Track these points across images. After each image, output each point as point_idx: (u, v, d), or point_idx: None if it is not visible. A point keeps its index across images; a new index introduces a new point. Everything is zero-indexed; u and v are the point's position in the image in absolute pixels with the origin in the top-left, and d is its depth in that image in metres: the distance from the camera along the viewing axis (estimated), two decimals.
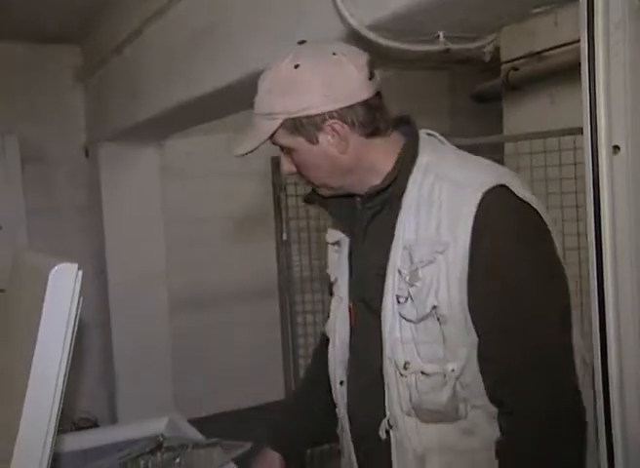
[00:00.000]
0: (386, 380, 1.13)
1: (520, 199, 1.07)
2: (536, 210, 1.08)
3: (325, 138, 1.11)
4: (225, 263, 3.81)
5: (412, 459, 1.11)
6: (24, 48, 3.30)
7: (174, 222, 3.62)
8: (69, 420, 3.16)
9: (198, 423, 1.86)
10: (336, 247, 1.30)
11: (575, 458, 1.05)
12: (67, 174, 3.46)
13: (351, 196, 1.21)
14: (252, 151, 1.14)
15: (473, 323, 1.07)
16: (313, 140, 1.11)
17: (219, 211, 3.80)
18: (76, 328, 1.10)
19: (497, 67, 4.11)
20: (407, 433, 1.11)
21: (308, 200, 1.25)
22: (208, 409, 3.42)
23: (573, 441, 1.05)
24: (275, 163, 2.84)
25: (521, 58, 3.74)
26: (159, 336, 3.44)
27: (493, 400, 1.09)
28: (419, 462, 1.11)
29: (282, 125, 1.10)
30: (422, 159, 1.14)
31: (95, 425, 3.21)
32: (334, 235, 1.29)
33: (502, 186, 1.06)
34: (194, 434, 1.77)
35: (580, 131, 0.99)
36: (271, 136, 1.12)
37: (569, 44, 3.41)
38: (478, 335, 1.07)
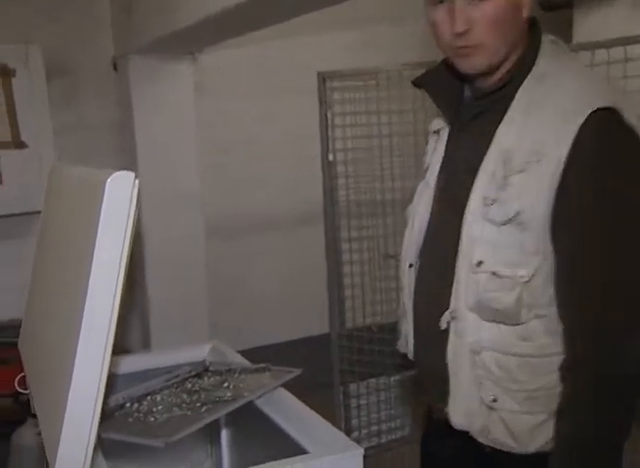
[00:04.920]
0: (456, 275, 1.23)
1: (627, 127, 1.12)
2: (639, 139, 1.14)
3: None
4: (266, 186, 3.84)
5: (467, 352, 1.22)
6: None
7: (209, 143, 3.64)
8: None
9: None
10: (435, 136, 1.40)
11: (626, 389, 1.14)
12: (96, 88, 3.47)
13: (461, 85, 1.30)
14: None
15: (551, 237, 1.15)
16: None
17: (258, 131, 3.80)
18: (131, 243, 1.13)
19: None
20: (467, 327, 1.22)
21: (417, 83, 1.35)
22: (246, 341, 3.49)
23: (627, 374, 1.13)
24: (322, 78, 2.82)
25: None
26: (194, 263, 3.52)
27: (560, 316, 1.18)
28: (473, 356, 1.22)
29: None
30: (540, 66, 1.21)
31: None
32: (436, 124, 1.40)
33: (612, 110, 1.11)
34: (240, 360, 1.83)
35: None
36: None
37: None
38: (555, 251, 1.15)
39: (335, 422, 2.93)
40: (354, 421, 3.14)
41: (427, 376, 1.38)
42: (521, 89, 1.20)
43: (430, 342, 1.31)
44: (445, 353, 1.27)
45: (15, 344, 1.88)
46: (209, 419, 1.45)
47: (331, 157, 2.85)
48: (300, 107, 3.56)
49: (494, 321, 1.20)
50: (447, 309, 1.25)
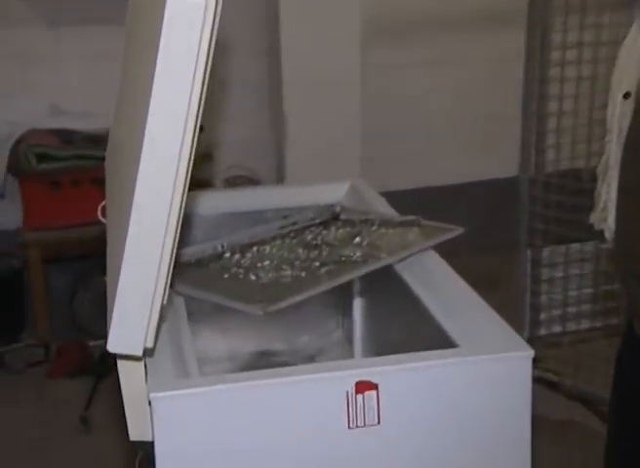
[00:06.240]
0: None
1: None
2: None
3: None
4: None
5: None
6: None
7: None
8: (221, 179, 3.37)
9: (388, 198, 1.89)
10: None
11: None
12: None
13: None
14: None
15: None
16: None
17: None
18: (213, 40, 1.05)
19: None
20: None
21: None
22: (402, 181, 3.49)
23: None
24: None
25: None
26: (346, 76, 3.47)
27: None
28: None
29: None
30: None
31: None
32: None
33: None
34: (384, 208, 1.80)
35: None
36: None
37: None
38: None
39: (516, 298, 2.97)
40: (543, 298, 3.11)
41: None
42: None
43: None
44: None
45: None
46: (326, 286, 1.42)
47: None
48: None
49: None
50: None
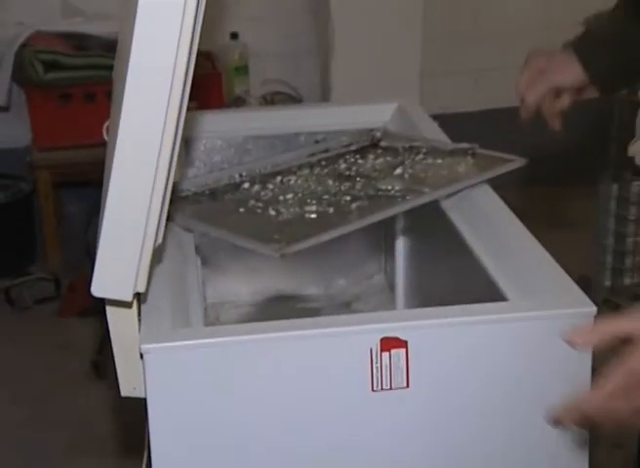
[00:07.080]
0: None
1: None
2: None
3: None
4: None
5: None
6: None
7: None
8: (256, 95, 3.35)
9: (445, 121, 1.86)
10: None
11: None
12: None
13: None
14: None
15: None
16: None
17: None
18: None
19: None
20: None
21: None
22: (467, 101, 3.44)
23: None
24: None
25: None
26: None
27: None
28: None
29: None
30: None
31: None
32: None
33: None
34: (433, 133, 1.78)
35: None
36: None
37: None
38: None
39: (596, 241, 2.97)
40: (629, 241, 3.06)
41: None
42: None
43: None
44: None
45: None
46: (353, 226, 1.40)
47: None
48: None
49: None
50: None
